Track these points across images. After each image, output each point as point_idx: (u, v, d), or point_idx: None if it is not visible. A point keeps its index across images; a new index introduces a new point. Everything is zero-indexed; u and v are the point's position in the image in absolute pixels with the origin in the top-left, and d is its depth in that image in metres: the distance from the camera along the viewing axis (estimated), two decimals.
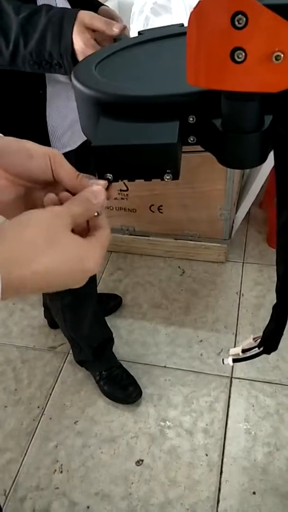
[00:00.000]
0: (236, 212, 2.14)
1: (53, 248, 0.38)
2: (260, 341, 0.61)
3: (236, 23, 0.36)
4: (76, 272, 0.40)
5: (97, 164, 0.45)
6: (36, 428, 1.58)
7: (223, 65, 0.39)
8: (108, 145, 0.45)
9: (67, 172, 0.45)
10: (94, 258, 0.41)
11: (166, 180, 0.47)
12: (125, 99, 0.48)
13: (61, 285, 0.40)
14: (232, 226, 2.14)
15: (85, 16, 0.78)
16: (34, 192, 0.47)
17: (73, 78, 0.55)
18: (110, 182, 0.46)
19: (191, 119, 0.48)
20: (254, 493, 1.36)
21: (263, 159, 0.46)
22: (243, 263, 2.15)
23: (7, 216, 0.45)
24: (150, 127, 0.46)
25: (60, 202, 0.43)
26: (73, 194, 0.44)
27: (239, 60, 0.38)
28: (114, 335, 1.71)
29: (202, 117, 0.47)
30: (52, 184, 0.46)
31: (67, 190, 0.45)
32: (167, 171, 0.47)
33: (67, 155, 1.15)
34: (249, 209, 2.14)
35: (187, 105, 0.47)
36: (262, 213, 2.37)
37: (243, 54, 0.38)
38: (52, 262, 0.38)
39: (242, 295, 1.99)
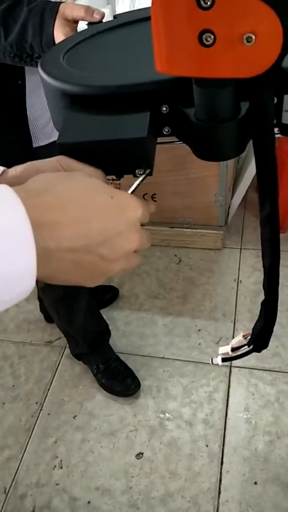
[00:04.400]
0: (231, 197, 2.10)
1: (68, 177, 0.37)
2: (249, 339, 0.59)
3: (202, 2, 0.33)
4: (108, 207, 0.36)
5: None
6: (34, 424, 1.57)
7: (191, 50, 0.35)
8: (73, 142, 0.42)
9: (82, 166, 0.43)
10: (130, 199, 0.38)
11: (139, 175, 0.44)
12: (91, 89, 0.45)
13: (97, 223, 0.35)
14: (228, 212, 2.11)
15: (65, 8, 0.76)
16: None
17: (39, 69, 0.52)
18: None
19: (164, 108, 0.44)
20: (255, 483, 1.34)
21: (241, 150, 0.43)
22: (240, 249, 2.11)
23: None
24: (119, 120, 0.43)
25: None
26: None
27: (207, 43, 0.35)
28: (111, 327, 1.69)
29: (175, 107, 0.44)
30: None
31: None
32: (140, 166, 0.44)
33: (51, 146, 1.13)
34: (245, 194, 2.10)
35: (158, 94, 0.43)
36: (258, 199, 2.33)
37: (212, 36, 0.34)
38: (71, 187, 0.36)
39: (240, 281, 1.96)
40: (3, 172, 0.44)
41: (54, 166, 0.42)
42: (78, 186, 0.36)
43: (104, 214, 0.36)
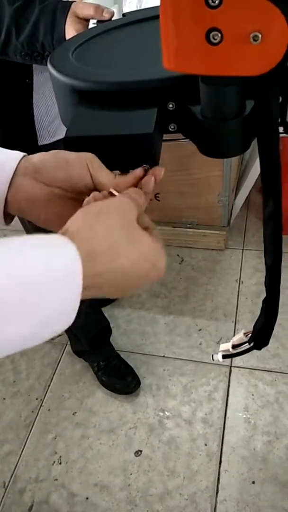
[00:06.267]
0: (235, 198, 2.11)
1: (133, 246, 0.39)
2: (250, 337, 0.59)
3: (210, 1, 0.34)
4: (149, 272, 0.40)
5: None
6: (34, 420, 1.58)
7: (198, 48, 0.36)
8: (81, 136, 0.42)
9: (106, 174, 0.44)
10: (162, 259, 0.42)
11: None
12: (100, 85, 0.46)
13: (135, 285, 0.40)
14: (231, 213, 2.11)
15: (76, 7, 0.77)
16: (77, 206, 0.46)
17: (49, 65, 0.52)
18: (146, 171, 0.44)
19: (170, 105, 0.45)
20: (253, 482, 1.35)
21: (245, 147, 0.43)
22: (242, 250, 2.12)
23: (53, 227, 0.46)
24: (127, 116, 0.44)
25: None
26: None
27: (215, 41, 0.35)
28: (112, 325, 1.70)
29: (181, 104, 0.44)
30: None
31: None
32: (145, 161, 0.44)
33: (56, 145, 1.13)
34: (249, 195, 2.10)
35: (165, 91, 0.44)
36: (261, 199, 2.33)
37: (219, 35, 0.35)
38: (132, 261, 0.38)
39: (242, 282, 1.97)
40: (23, 157, 0.45)
41: (82, 163, 0.43)
42: (132, 257, 0.38)
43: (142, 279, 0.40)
